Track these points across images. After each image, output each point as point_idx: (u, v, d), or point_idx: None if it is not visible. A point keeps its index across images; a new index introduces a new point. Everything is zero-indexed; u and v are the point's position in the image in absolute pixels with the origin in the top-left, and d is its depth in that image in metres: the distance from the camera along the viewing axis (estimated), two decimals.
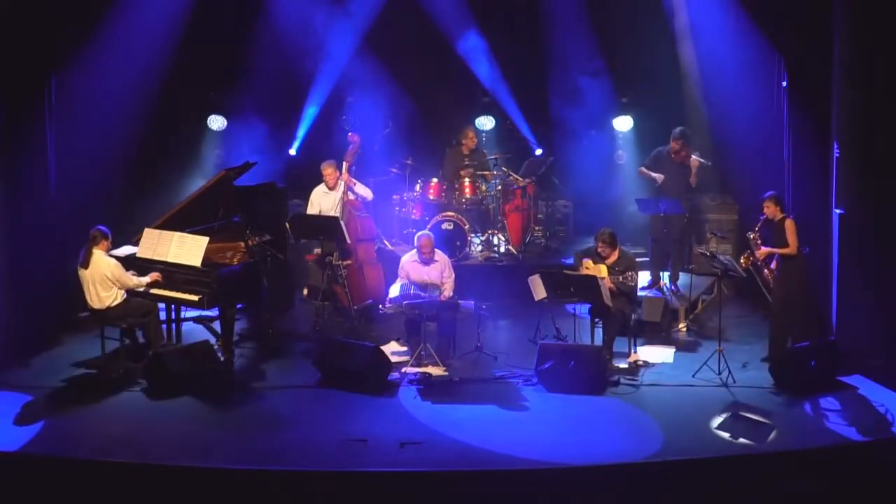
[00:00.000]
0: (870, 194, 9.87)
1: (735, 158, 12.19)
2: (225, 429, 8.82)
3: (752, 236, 10.05)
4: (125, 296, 9.81)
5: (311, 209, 11.56)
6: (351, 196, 11.42)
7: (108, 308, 9.71)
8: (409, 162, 12.96)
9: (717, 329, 10.07)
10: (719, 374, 9.70)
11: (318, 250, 11.29)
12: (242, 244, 10.46)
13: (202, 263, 9.85)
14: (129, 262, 10.04)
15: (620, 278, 10.01)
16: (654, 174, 11.82)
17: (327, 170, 11.44)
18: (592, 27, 13.27)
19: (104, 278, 9.63)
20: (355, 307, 11.10)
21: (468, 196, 12.67)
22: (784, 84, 10.93)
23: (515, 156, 13.44)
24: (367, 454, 8.27)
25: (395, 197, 12.99)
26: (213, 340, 10.32)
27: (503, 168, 12.99)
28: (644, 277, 11.54)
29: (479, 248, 12.66)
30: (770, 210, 9.89)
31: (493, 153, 13.32)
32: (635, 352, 10.24)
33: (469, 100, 14.00)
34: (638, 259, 10.92)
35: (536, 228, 13.24)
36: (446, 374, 9.84)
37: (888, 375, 9.57)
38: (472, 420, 8.93)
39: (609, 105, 13.50)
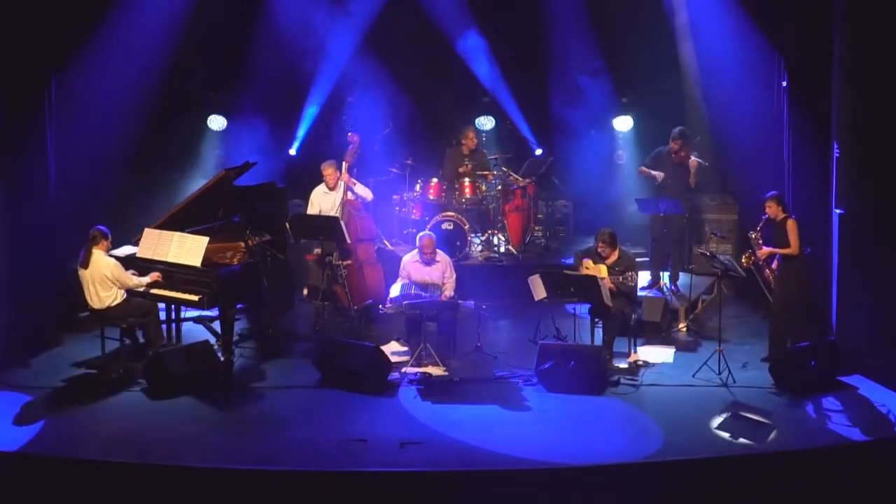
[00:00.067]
0: (870, 194, 9.87)
1: (735, 158, 12.19)
2: (225, 429, 8.83)
3: (753, 236, 10.05)
4: (125, 296, 9.81)
5: (311, 209, 11.56)
6: (350, 196, 11.42)
7: (108, 308, 9.72)
8: (409, 162, 12.96)
9: (717, 329, 10.07)
10: (719, 374, 9.70)
11: (318, 250, 11.29)
12: (242, 244, 10.46)
13: (202, 263, 9.84)
14: (129, 262, 10.04)
15: (620, 278, 10.01)
16: (654, 172, 11.83)
17: (327, 170, 11.44)
18: (592, 27, 13.27)
19: (104, 278, 9.63)
20: (355, 307, 11.10)
21: (468, 196, 12.67)
22: (784, 84, 10.93)
23: (515, 156, 13.45)
24: (367, 454, 8.27)
25: (395, 197, 12.99)
26: (213, 340, 10.32)
27: (503, 168, 12.99)
28: (644, 277, 11.54)
29: (479, 248, 12.66)
30: (772, 210, 9.89)
31: (493, 153, 13.32)
32: (635, 352, 10.24)
33: (469, 100, 14.01)
34: (638, 259, 10.92)
35: (536, 228, 13.24)
36: (446, 374, 9.84)
37: (888, 375, 9.58)
38: (472, 420, 8.93)
39: (609, 105, 13.50)
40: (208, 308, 10.21)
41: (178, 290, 9.96)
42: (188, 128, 13.38)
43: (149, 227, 10.26)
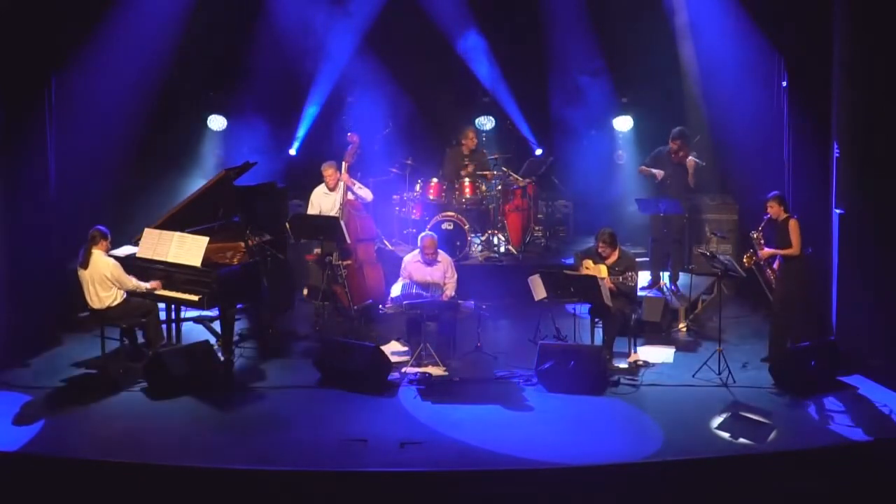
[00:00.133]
0: (870, 194, 9.87)
1: (735, 158, 12.19)
2: (225, 429, 8.82)
3: (755, 236, 10.04)
4: (125, 296, 9.80)
5: (312, 210, 11.55)
6: (350, 196, 11.42)
7: (108, 308, 9.71)
8: (409, 162, 12.96)
9: (717, 329, 10.07)
10: (719, 374, 9.70)
11: (318, 250, 11.29)
12: (242, 244, 10.46)
13: (202, 263, 9.84)
14: (129, 262, 10.04)
15: (620, 278, 10.01)
16: (653, 170, 11.83)
17: (327, 171, 11.44)
18: (592, 27, 13.27)
19: (103, 278, 9.63)
20: (355, 307, 11.10)
21: (468, 196, 12.67)
22: (784, 84, 10.93)
23: (515, 156, 13.45)
24: (367, 454, 8.27)
25: (395, 197, 12.99)
26: (213, 340, 10.32)
27: (503, 168, 13.00)
28: (644, 277, 11.54)
29: (479, 248, 12.66)
30: (774, 210, 9.89)
31: (493, 153, 13.32)
32: (635, 352, 10.24)
33: (469, 100, 14.01)
34: (638, 259, 10.92)
35: (536, 228, 13.23)
36: (446, 374, 9.84)
37: (888, 375, 9.58)
38: (472, 420, 8.93)
39: (609, 105, 13.50)
40: (208, 308, 10.21)
41: (178, 290, 9.96)
42: (188, 128, 13.39)
43: (149, 227, 10.27)
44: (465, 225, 12.27)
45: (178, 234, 10.05)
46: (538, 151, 13.57)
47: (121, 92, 11.53)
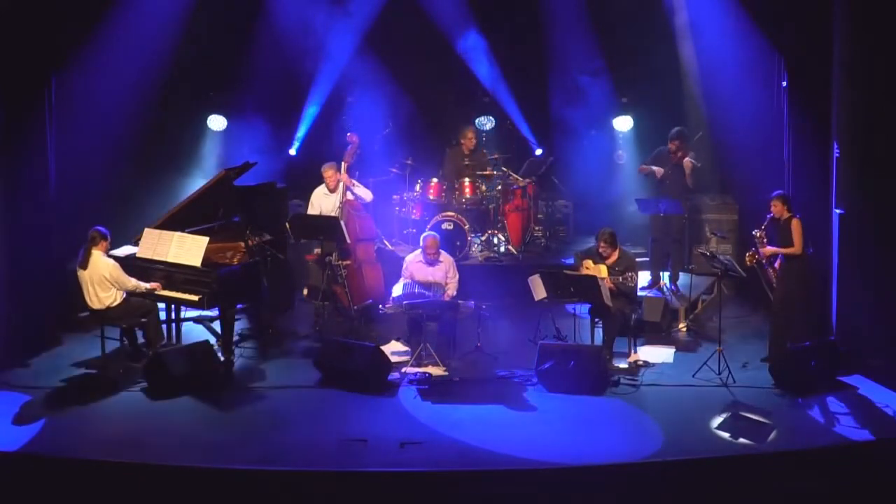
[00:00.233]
0: (870, 194, 9.87)
1: (735, 158, 12.19)
2: (225, 429, 8.82)
3: (758, 234, 10.02)
4: (124, 296, 9.80)
5: (312, 211, 11.55)
6: (350, 196, 11.42)
7: (108, 308, 9.71)
8: (409, 162, 12.95)
9: (717, 329, 10.07)
10: (719, 374, 9.70)
11: (318, 250, 11.29)
12: (242, 244, 10.46)
13: (202, 263, 9.85)
14: (129, 262, 10.04)
15: (620, 278, 10.01)
16: (654, 167, 11.83)
17: (328, 172, 11.43)
18: (592, 27, 13.26)
19: (102, 279, 9.63)
20: (355, 307, 11.10)
21: (468, 196, 12.67)
22: (784, 84, 10.93)
23: (515, 156, 13.45)
24: (367, 454, 8.27)
25: (395, 197, 12.99)
26: (213, 340, 10.32)
27: (503, 168, 12.99)
28: (644, 277, 11.54)
29: (479, 248, 12.66)
30: (777, 209, 9.89)
31: (493, 153, 13.32)
32: (635, 352, 10.24)
33: (469, 100, 14.00)
34: (638, 259, 10.92)
35: (536, 228, 13.23)
36: (446, 374, 9.84)
37: (888, 375, 9.58)
38: (472, 420, 8.93)
39: (609, 105, 13.50)
40: (208, 308, 10.21)
41: (178, 290, 9.96)
42: (188, 128, 13.38)
43: (149, 226, 10.27)
44: (465, 225, 12.27)
45: (178, 234, 10.05)
46: (538, 151, 13.58)
47: (121, 92, 11.53)
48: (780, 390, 9.43)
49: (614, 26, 13.18)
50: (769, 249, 9.95)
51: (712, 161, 12.56)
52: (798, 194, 10.50)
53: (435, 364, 9.92)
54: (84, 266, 9.64)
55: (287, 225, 11.20)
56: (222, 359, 9.95)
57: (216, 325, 10.59)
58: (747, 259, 10.00)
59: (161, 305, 10.25)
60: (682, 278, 11.94)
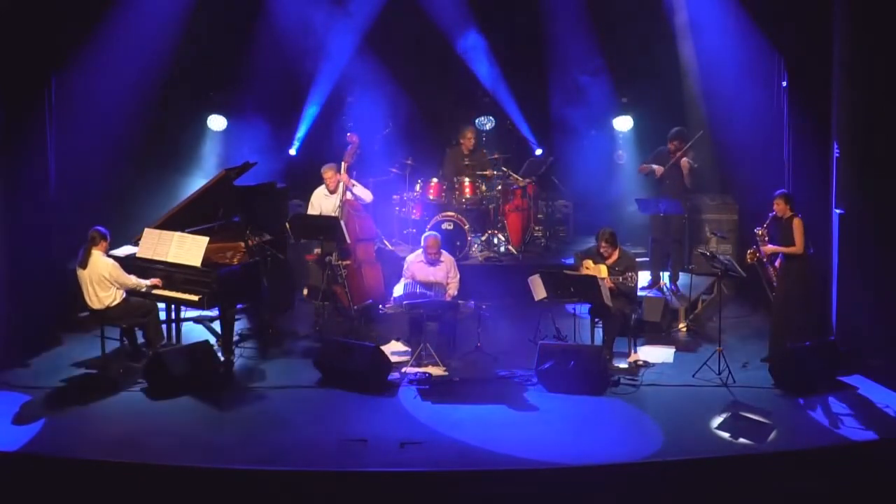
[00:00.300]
0: (870, 194, 9.87)
1: (735, 158, 12.20)
2: (225, 429, 8.82)
3: (760, 232, 10.01)
4: (124, 296, 9.81)
5: (312, 211, 11.55)
6: (349, 196, 11.42)
7: (108, 308, 9.72)
8: (409, 162, 12.95)
9: (717, 329, 10.07)
10: (719, 374, 9.70)
11: (318, 250, 11.29)
12: (242, 244, 10.46)
13: (202, 263, 9.85)
14: (129, 262, 10.04)
15: (620, 278, 10.01)
16: (653, 165, 11.84)
17: (327, 173, 11.43)
18: (592, 27, 13.26)
19: (102, 279, 9.63)
20: (355, 307, 11.10)
21: (468, 196, 12.67)
22: (784, 84, 10.93)
23: (515, 156, 13.44)
24: (367, 454, 8.27)
25: (395, 197, 12.98)
26: (213, 340, 10.32)
27: (503, 168, 12.99)
28: (644, 277, 11.54)
29: (479, 248, 12.66)
30: (780, 208, 9.88)
31: (493, 153, 13.31)
32: (635, 352, 10.24)
33: (469, 100, 14.00)
34: (638, 259, 10.93)
35: (536, 228, 13.23)
36: (446, 374, 9.84)
37: (888, 375, 9.58)
38: (472, 420, 8.93)
39: (609, 105, 13.50)
40: (208, 308, 10.22)
41: (178, 290, 9.96)
42: (188, 128, 13.38)
43: (149, 227, 10.27)
44: (465, 225, 12.27)
45: (178, 234, 10.05)
46: (538, 151, 13.57)
47: (121, 92, 11.53)
48: (780, 390, 9.43)
49: (614, 26, 13.18)
50: (770, 248, 9.94)
51: (712, 161, 12.56)
52: (798, 194, 10.49)
53: (435, 364, 9.92)
54: (84, 266, 9.64)
55: (287, 225, 11.20)
56: (222, 359, 9.95)
57: (216, 325, 10.59)
58: (748, 257, 10.00)
59: (161, 305, 10.25)
60: (682, 278, 11.94)
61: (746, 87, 11.67)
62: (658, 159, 11.90)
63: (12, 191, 10.26)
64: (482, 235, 12.74)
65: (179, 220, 10.30)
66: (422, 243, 10.56)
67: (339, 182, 11.40)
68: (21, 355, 10.10)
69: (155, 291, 9.95)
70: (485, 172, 12.90)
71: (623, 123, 13.61)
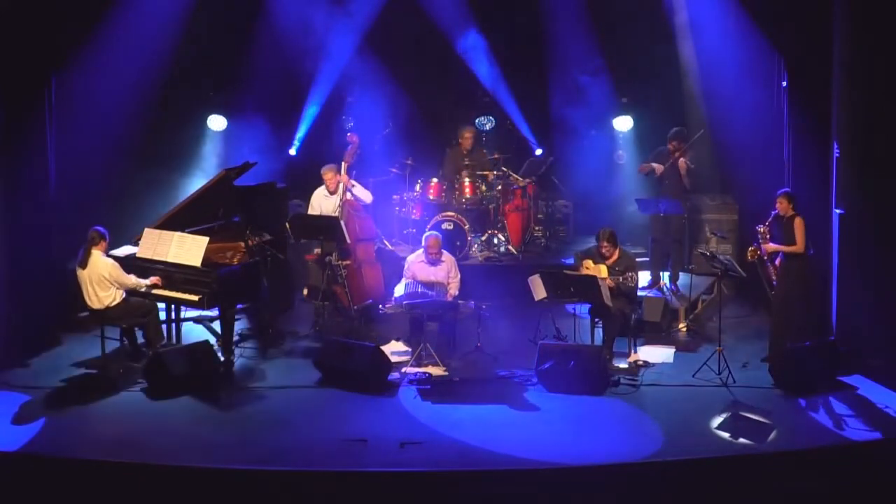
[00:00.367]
0: (870, 194, 9.87)
1: (735, 158, 12.19)
2: (225, 429, 8.82)
3: (762, 230, 10.00)
4: (124, 296, 9.81)
5: (312, 212, 11.55)
6: (349, 196, 11.41)
7: (108, 308, 9.72)
8: (409, 162, 12.95)
9: (717, 329, 10.07)
10: (719, 374, 9.69)
11: (318, 250, 11.29)
12: (242, 244, 10.46)
13: (202, 263, 9.85)
14: (129, 262, 10.04)
15: (620, 278, 10.01)
16: (653, 164, 11.84)
17: (327, 174, 11.43)
18: (592, 27, 13.26)
19: (102, 279, 9.63)
20: (355, 307, 11.10)
21: (468, 196, 12.67)
22: (784, 84, 10.93)
23: (515, 156, 13.44)
24: (367, 454, 8.27)
25: (395, 197, 12.98)
26: (213, 340, 10.32)
27: (503, 168, 12.99)
28: (644, 277, 11.54)
29: (480, 248, 12.66)
30: (782, 206, 9.88)
31: (493, 153, 13.31)
32: (635, 352, 10.25)
33: (469, 100, 14.00)
34: (638, 259, 10.93)
35: (536, 228, 13.23)
36: (446, 374, 9.84)
37: (888, 375, 9.58)
38: (472, 420, 8.93)
39: (609, 105, 13.50)
40: (208, 308, 10.22)
41: (178, 290, 9.96)
42: (188, 128, 13.38)
43: (149, 226, 10.27)
44: (465, 225, 12.27)
45: (178, 234, 10.05)
46: (538, 151, 13.57)
47: (121, 92, 11.53)
48: (780, 390, 9.43)
49: (614, 26, 13.18)
50: (771, 246, 9.94)
51: (712, 161, 12.56)
52: (798, 194, 10.50)
53: (435, 364, 9.92)
54: (83, 266, 9.65)
55: (287, 225, 11.20)
56: (222, 359, 9.95)
57: (216, 325, 10.59)
58: (749, 254, 9.99)
59: (161, 305, 10.25)
60: (682, 278, 11.94)
61: (746, 87, 11.67)
62: (658, 159, 11.91)
63: (12, 191, 10.26)
64: (482, 235, 12.74)
65: (179, 220, 10.30)
66: (422, 243, 10.56)
67: (338, 183, 11.40)
68: (21, 355, 10.11)
69: (155, 291, 9.95)
70: (485, 172, 12.90)
71: (623, 123, 13.60)
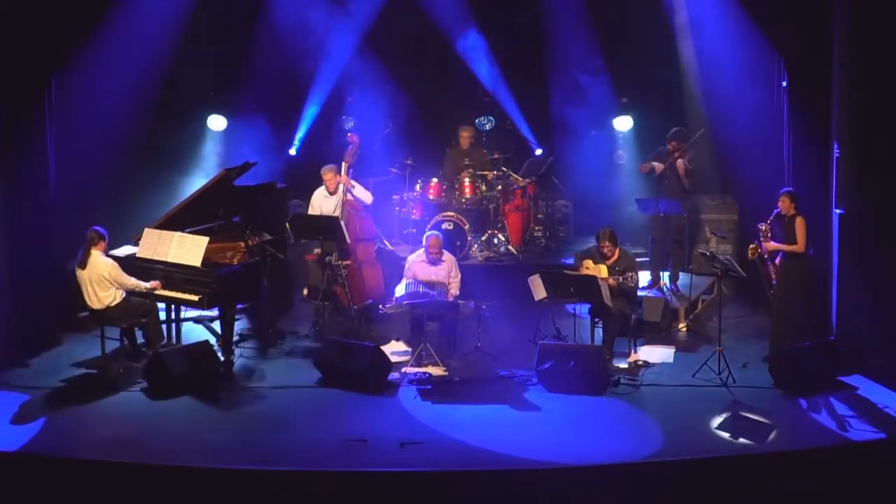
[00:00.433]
0: (870, 194, 9.87)
1: (735, 158, 12.19)
2: (225, 429, 8.82)
3: (763, 228, 9.99)
4: (124, 296, 9.81)
5: (312, 212, 11.55)
6: (349, 196, 11.41)
7: (108, 308, 9.72)
8: (409, 162, 12.95)
9: (717, 329, 10.06)
10: (719, 374, 9.69)
11: (318, 250, 11.29)
12: (242, 244, 10.46)
13: (202, 263, 9.85)
14: (129, 262, 10.03)
15: (620, 278, 10.01)
16: (653, 162, 11.84)
17: (327, 175, 11.43)
18: (592, 27, 13.26)
19: (101, 279, 9.63)
20: (355, 307, 11.10)
21: (468, 196, 12.68)
22: (784, 84, 10.93)
23: (515, 156, 13.45)
24: (367, 454, 8.27)
25: (395, 197, 12.99)
26: (213, 340, 10.32)
27: (503, 168, 12.99)
28: (644, 277, 11.54)
29: (480, 248, 12.66)
30: (784, 205, 9.88)
31: (493, 153, 13.32)
32: (635, 352, 10.25)
33: (469, 100, 14.00)
34: (638, 259, 10.93)
35: (536, 228, 13.23)
36: (446, 373, 9.84)
37: (888, 375, 9.58)
38: (472, 420, 8.93)
39: (609, 105, 13.50)
40: (208, 308, 10.21)
41: (178, 290, 9.96)
42: (188, 128, 13.38)
43: (149, 226, 10.27)
44: (465, 225, 12.27)
45: (178, 234, 10.05)
46: (538, 151, 13.57)
47: (121, 92, 11.52)
48: (780, 390, 9.43)
49: (614, 26, 13.19)
50: (772, 245, 9.93)
51: (712, 161, 12.56)
52: (799, 194, 10.51)
53: (435, 364, 9.92)
54: (83, 266, 9.65)
55: (287, 225, 11.20)
56: (222, 359, 9.95)
57: (216, 325, 10.58)
58: (749, 252, 9.98)
59: (161, 305, 10.25)
60: (682, 278, 11.94)
61: (746, 87, 11.67)
62: (657, 159, 11.90)
63: (12, 191, 10.26)
64: (482, 235, 12.75)
65: (179, 220, 10.30)
66: (423, 243, 10.55)
67: (338, 183, 11.40)
68: (21, 355, 10.11)
69: (155, 292, 9.94)
70: (485, 172, 12.90)
71: (623, 123, 13.61)
